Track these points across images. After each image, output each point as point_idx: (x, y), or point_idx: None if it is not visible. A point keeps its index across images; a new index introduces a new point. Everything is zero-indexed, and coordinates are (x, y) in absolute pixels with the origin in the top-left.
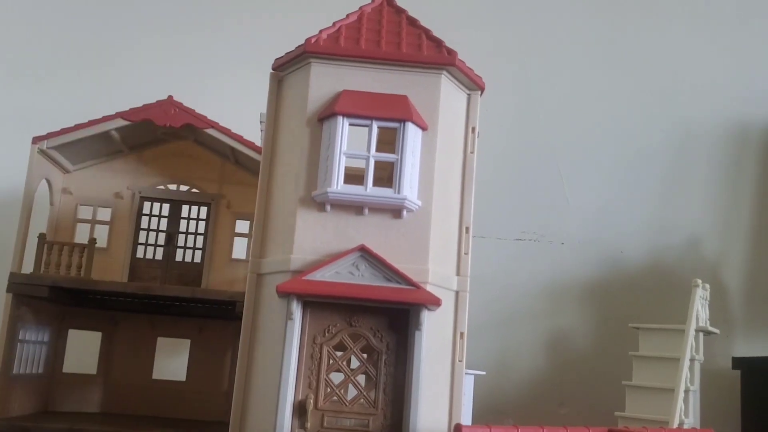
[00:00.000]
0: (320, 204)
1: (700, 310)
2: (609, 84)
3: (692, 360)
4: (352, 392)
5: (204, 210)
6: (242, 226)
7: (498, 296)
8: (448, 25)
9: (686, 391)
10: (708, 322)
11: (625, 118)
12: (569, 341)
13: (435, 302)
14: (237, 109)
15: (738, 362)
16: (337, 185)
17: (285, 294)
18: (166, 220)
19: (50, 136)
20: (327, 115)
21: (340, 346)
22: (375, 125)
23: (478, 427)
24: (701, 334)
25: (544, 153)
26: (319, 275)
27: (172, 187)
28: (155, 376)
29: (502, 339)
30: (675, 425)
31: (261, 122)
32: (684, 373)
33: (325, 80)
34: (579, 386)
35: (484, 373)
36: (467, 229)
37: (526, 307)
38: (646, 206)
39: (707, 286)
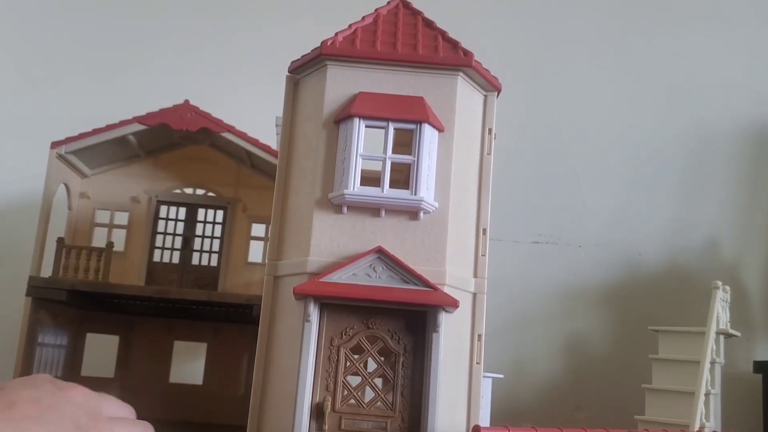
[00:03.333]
0: (337, 206)
1: (720, 312)
2: (625, 85)
3: (713, 363)
4: (369, 394)
5: (220, 214)
6: (258, 229)
7: (514, 299)
8: (461, 26)
9: (707, 395)
10: (728, 324)
11: (642, 119)
12: (587, 344)
13: (453, 304)
14: (253, 112)
15: (759, 366)
16: (354, 187)
17: (302, 296)
18: (182, 223)
19: (68, 140)
20: (343, 117)
21: (358, 349)
22: (391, 127)
23: (496, 428)
24: (722, 337)
25: (560, 155)
26: (336, 277)
27: (189, 191)
28: (172, 379)
29: (518, 342)
30: (696, 429)
31: (277, 125)
32: (705, 376)
33: (341, 82)
34: (597, 390)
35: (501, 376)
36: (484, 230)
37: (543, 310)
38: (664, 208)
39: (727, 288)
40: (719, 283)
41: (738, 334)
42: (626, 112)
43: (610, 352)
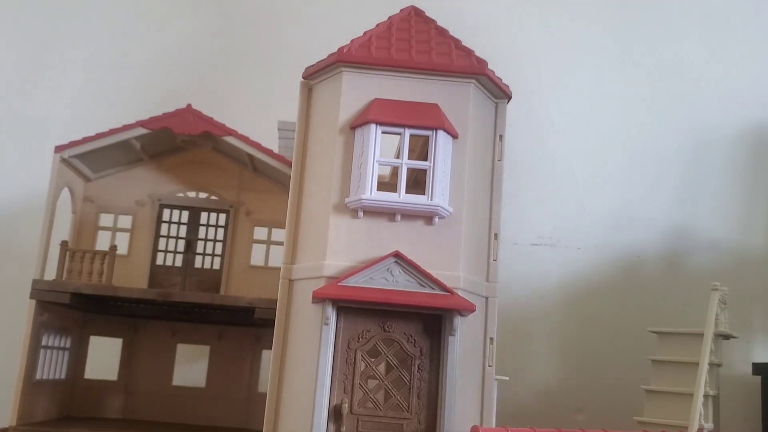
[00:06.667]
0: (353, 210)
1: (719, 314)
2: (625, 88)
3: (711, 364)
4: (386, 396)
5: (223, 217)
6: (261, 232)
7: (514, 301)
8: (461, 29)
9: (706, 396)
10: (727, 325)
11: (641, 122)
12: (586, 346)
13: (470, 308)
14: (255, 116)
15: (758, 368)
16: (371, 192)
17: (321, 299)
18: (185, 227)
19: (72, 144)
20: (360, 123)
21: (374, 351)
22: (407, 133)
23: (495, 429)
24: (720, 339)
25: (559, 157)
26: (353, 281)
27: (191, 194)
28: (175, 382)
29: (517, 344)
30: (694, 430)
31: (279, 129)
32: (703, 377)
33: (356, 88)
34: (596, 392)
35: (507, 378)
36: (496, 235)
37: (542, 312)
38: (663, 210)
39: (726, 289)
40: (718, 284)
41: (737, 335)
42: (626, 114)
43: (609, 354)
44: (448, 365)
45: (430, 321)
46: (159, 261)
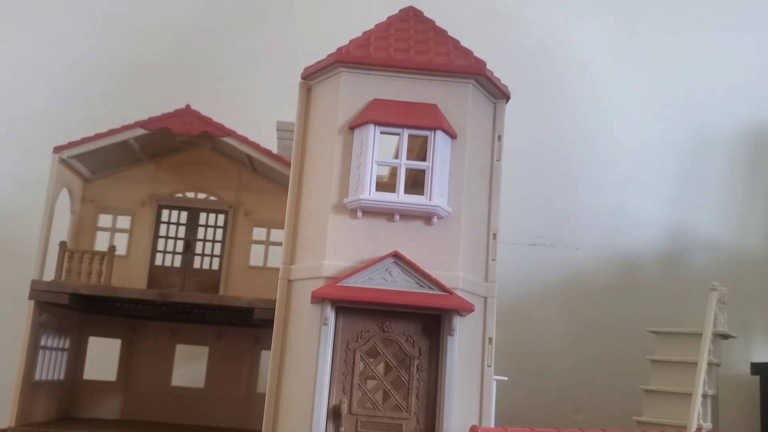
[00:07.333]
0: (352, 211)
1: (717, 314)
2: (624, 87)
3: (710, 364)
4: (385, 396)
5: (221, 217)
6: (259, 233)
7: (512, 301)
8: (460, 28)
9: (704, 396)
10: (726, 325)
11: (641, 121)
12: (585, 346)
13: (468, 308)
14: (255, 116)
15: (757, 368)
16: (370, 193)
17: (320, 299)
18: (184, 227)
19: (71, 145)
20: (359, 123)
21: (373, 352)
22: (406, 133)
23: (493, 429)
24: (719, 338)
25: (558, 157)
26: (352, 281)
27: (190, 194)
28: (174, 382)
29: (516, 344)
30: (693, 430)
31: (278, 130)
32: (702, 377)
33: (355, 89)
34: (595, 392)
35: (506, 378)
36: (494, 235)
37: (541, 312)
38: (661, 210)
39: (725, 289)
40: (716, 284)
41: (735, 335)
42: (625, 114)
43: (608, 354)
44: (447, 365)
45: (429, 321)
46: (158, 261)
